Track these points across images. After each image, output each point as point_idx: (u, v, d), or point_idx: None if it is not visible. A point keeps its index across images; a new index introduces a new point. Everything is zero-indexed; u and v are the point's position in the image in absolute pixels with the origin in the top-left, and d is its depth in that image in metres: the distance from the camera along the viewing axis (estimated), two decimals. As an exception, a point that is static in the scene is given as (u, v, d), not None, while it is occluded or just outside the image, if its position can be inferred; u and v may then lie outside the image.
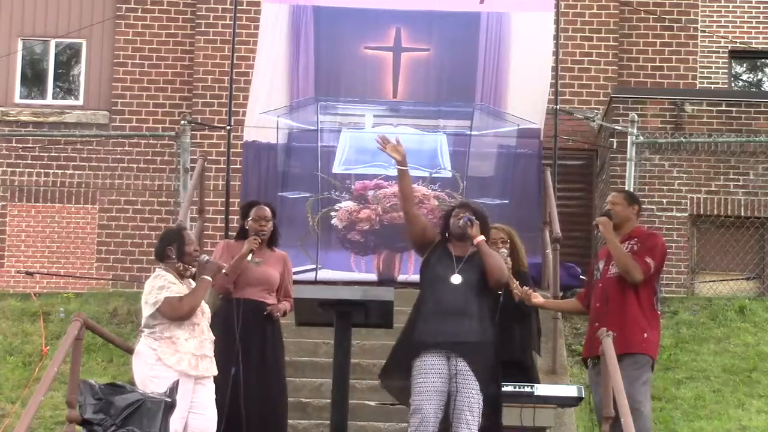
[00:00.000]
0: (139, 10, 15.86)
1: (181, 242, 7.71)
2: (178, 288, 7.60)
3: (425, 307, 7.50)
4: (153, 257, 15.12)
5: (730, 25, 18.22)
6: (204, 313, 7.70)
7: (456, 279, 7.45)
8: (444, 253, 7.62)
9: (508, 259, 8.13)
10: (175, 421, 7.38)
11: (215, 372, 7.68)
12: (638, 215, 8.25)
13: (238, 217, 12.07)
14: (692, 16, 15.60)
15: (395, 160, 7.75)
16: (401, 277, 11.93)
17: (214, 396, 7.67)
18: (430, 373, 7.33)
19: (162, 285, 7.59)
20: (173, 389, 7.27)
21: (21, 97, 16.19)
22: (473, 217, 7.59)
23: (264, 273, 8.33)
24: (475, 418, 7.28)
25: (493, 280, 7.48)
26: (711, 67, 17.98)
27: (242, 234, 8.58)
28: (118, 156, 15.61)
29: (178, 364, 7.48)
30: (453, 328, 7.32)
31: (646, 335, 7.93)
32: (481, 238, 7.53)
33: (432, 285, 7.53)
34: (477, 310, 7.42)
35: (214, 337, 7.72)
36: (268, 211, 8.53)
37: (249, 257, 8.27)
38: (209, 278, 7.66)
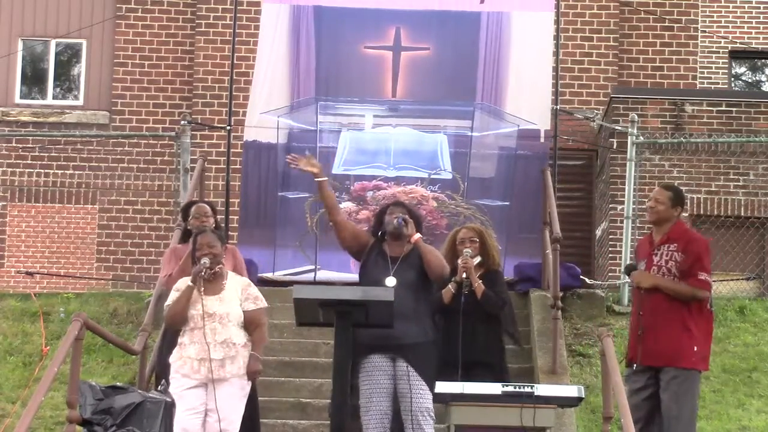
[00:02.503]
0: (139, 10, 15.87)
1: (194, 247, 7.78)
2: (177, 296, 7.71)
3: None
4: (153, 257, 15.29)
5: (730, 25, 18.22)
6: (213, 316, 7.61)
7: (390, 281, 7.51)
8: (380, 254, 7.67)
9: (473, 259, 8.17)
10: (186, 421, 7.38)
11: (231, 373, 7.62)
12: (680, 216, 8.00)
13: (237, 217, 12.18)
14: (692, 17, 15.61)
15: (312, 174, 7.74)
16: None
17: (239, 396, 7.65)
18: (377, 373, 7.41)
19: (172, 293, 7.74)
20: (165, 389, 7.30)
21: (21, 97, 16.20)
22: (407, 216, 7.63)
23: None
24: (428, 419, 7.35)
25: (434, 274, 7.56)
26: (711, 68, 17.98)
27: (186, 236, 8.57)
28: (118, 156, 15.62)
29: (182, 368, 7.58)
30: (393, 329, 7.29)
31: (696, 348, 7.75)
32: (418, 236, 7.59)
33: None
34: (415, 311, 7.48)
35: (228, 339, 7.66)
36: (207, 207, 8.62)
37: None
38: (191, 284, 7.61)
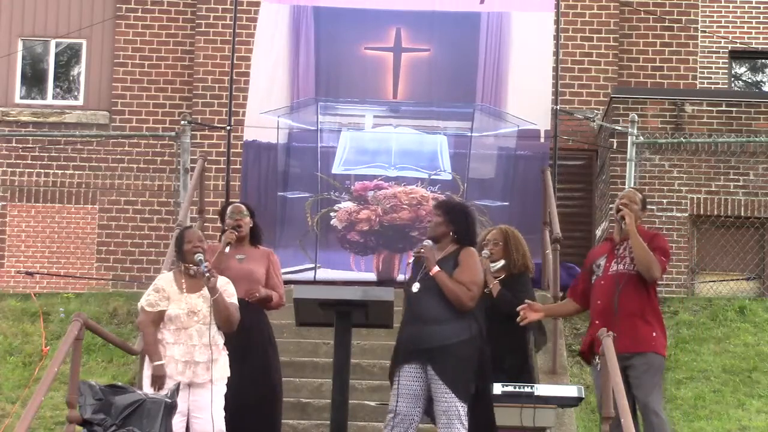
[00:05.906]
0: (139, 10, 15.87)
1: (181, 241, 7.72)
2: (156, 297, 7.58)
3: (403, 318, 7.66)
4: (153, 257, 15.28)
5: (730, 25, 18.23)
6: (198, 314, 7.59)
7: (414, 287, 7.55)
8: (416, 263, 7.70)
9: (497, 263, 8.15)
10: (175, 423, 7.37)
11: (215, 377, 7.59)
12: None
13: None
14: (692, 17, 15.61)
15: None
16: (400, 277, 11.92)
17: (220, 397, 7.62)
18: (406, 376, 7.44)
19: (149, 290, 7.66)
20: (174, 391, 7.26)
21: (21, 97, 16.20)
22: (427, 244, 7.58)
23: (247, 269, 8.32)
24: (453, 422, 7.31)
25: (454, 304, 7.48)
26: (711, 68, 17.98)
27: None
28: (118, 156, 15.62)
29: (165, 367, 7.50)
30: (417, 335, 7.42)
31: (655, 334, 7.88)
32: (436, 269, 7.49)
33: (406, 295, 7.69)
34: (445, 315, 7.44)
35: (212, 341, 7.62)
36: (242, 206, 8.63)
37: (227, 249, 8.26)
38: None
